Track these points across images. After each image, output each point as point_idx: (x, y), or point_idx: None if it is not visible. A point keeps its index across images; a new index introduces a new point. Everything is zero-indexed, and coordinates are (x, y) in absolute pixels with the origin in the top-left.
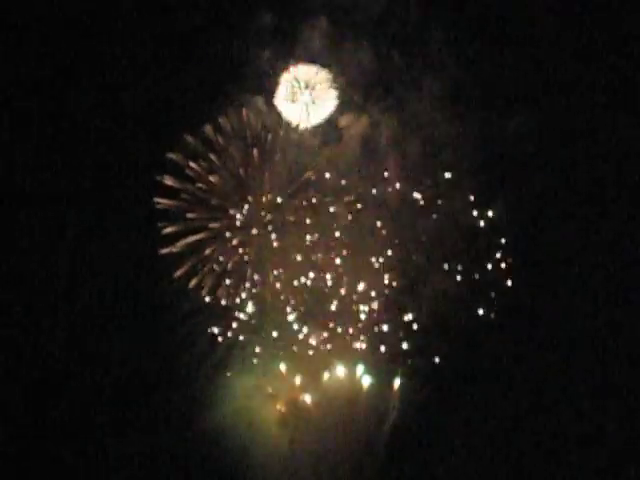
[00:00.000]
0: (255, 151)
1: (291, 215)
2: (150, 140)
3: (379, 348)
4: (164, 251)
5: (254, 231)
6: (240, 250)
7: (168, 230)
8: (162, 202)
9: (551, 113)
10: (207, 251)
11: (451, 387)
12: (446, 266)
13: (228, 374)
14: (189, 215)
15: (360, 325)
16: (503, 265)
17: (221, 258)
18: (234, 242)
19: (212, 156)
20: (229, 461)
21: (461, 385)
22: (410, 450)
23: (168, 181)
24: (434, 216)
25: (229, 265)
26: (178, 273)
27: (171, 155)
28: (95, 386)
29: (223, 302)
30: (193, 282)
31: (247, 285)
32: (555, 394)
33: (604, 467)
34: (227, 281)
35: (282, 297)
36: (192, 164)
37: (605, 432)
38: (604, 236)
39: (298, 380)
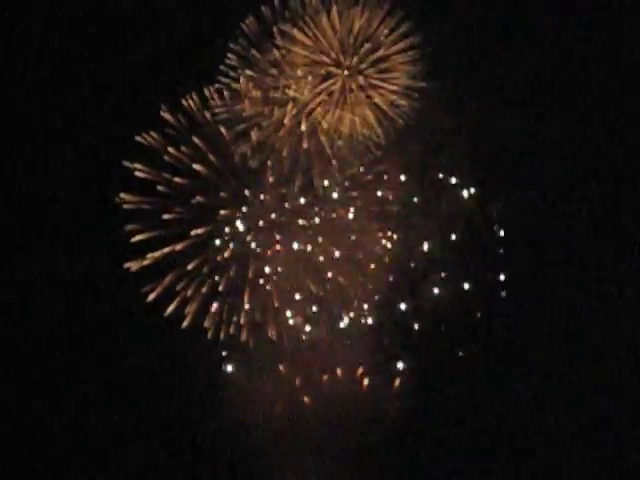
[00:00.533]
0: (254, 133)
1: (301, 217)
2: (115, 116)
3: (379, 349)
4: (131, 265)
5: (253, 238)
6: (234, 264)
7: (138, 237)
8: (129, 199)
9: (552, 113)
10: (189, 266)
11: (449, 386)
12: (445, 267)
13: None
14: (165, 216)
15: (361, 326)
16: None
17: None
18: (226, 254)
19: (197, 139)
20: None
21: (459, 384)
22: (409, 449)
23: (138, 171)
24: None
25: (220, 284)
26: (151, 296)
27: (143, 137)
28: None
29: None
30: (170, 308)
31: (243, 310)
32: (553, 395)
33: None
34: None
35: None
36: (170, 149)
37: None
38: (604, 237)
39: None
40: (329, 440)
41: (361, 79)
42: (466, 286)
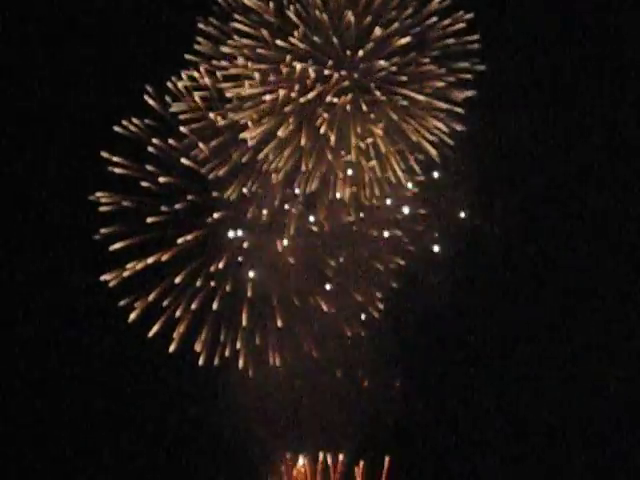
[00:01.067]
0: (251, 121)
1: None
2: (89, 102)
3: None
4: (108, 278)
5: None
6: (229, 277)
7: (116, 245)
8: (106, 199)
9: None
10: (177, 279)
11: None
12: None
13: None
14: (149, 220)
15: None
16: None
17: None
18: (220, 265)
19: (184, 128)
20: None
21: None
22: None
23: (116, 166)
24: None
25: (215, 303)
26: (132, 316)
27: (121, 126)
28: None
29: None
30: (154, 330)
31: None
32: (553, 395)
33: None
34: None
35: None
36: (155, 140)
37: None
38: (602, 238)
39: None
40: (328, 440)
41: (367, 81)
42: (468, 287)
